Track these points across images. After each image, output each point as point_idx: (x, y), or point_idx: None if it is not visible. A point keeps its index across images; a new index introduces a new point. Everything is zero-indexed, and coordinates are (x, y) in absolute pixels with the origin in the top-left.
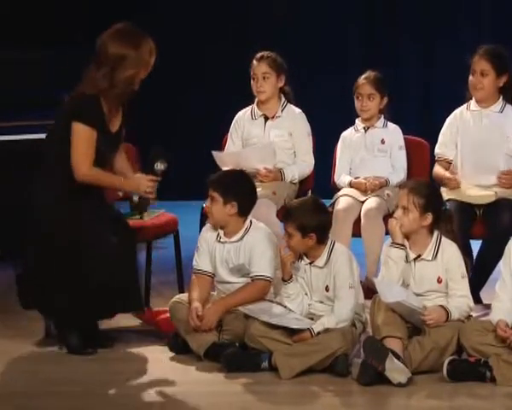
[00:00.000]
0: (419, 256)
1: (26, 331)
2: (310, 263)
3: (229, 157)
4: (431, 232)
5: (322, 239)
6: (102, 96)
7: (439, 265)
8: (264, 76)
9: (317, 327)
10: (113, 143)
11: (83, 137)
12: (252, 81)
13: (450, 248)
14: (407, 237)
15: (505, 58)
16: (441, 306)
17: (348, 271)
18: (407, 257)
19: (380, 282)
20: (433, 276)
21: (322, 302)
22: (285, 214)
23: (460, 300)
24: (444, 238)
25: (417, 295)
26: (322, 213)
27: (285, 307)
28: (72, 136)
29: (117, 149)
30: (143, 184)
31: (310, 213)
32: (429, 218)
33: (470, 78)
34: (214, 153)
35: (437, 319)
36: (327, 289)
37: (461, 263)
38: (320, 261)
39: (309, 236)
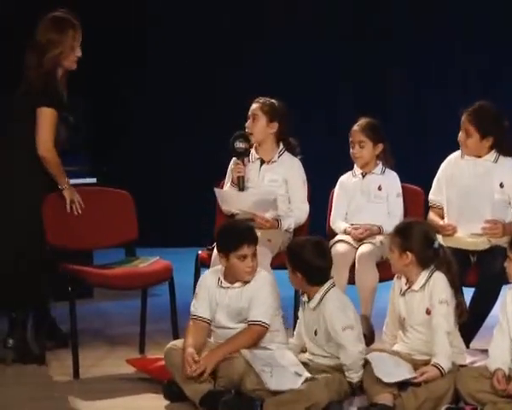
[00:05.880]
0: (409, 288)
1: None
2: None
3: (231, 196)
4: (422, 268)
5: (311, 280)
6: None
7: (426, 295)
8: (254, 117)
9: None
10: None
11: (50, 119)
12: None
13: (436, 276)
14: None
15: (488, 119)
16: (434, 365)
17: (341, 314)
18: (400, 290)
19: (373, 359)
20: (421, 307)
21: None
22: (288, 248)
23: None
24: (437, 272)
25: (411, 327)
26: (317, 256)
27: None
28: (39, 118)
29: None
30: (74, 199)
31: (306, 251)
32: (409, 256)
33: (460, 133)
34: (216, 190)
35: (430, 378)
36: (315, 333)
37: (443, 289)
38: (312, 303)
39: (296, 273)
